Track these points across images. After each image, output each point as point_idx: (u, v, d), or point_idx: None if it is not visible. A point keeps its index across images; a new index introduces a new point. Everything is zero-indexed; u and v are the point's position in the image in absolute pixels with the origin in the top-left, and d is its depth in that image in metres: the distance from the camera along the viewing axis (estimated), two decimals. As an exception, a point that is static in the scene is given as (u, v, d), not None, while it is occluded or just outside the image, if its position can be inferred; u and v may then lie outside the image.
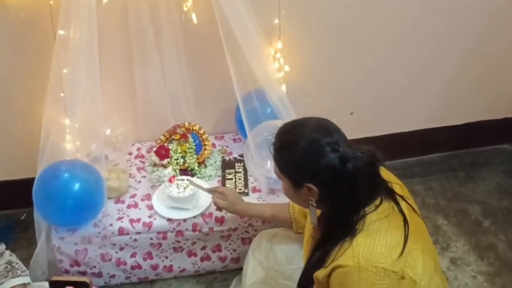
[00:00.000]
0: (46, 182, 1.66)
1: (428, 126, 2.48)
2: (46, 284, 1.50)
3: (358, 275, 1.10)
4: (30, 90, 1.94)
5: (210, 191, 1.73)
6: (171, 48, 1.94)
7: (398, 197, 1.23)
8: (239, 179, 1.97)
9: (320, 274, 1.18)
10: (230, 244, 1.89)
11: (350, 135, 2.30)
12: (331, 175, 1.15)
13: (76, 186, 1.65)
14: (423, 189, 2.39)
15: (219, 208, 1.72)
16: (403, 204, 1.23)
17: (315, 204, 1.22)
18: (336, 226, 1.18)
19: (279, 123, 1.87)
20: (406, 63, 2.25)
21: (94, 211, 1.74)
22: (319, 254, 1.20)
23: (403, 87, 2.33)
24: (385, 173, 1.33)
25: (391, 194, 1.22)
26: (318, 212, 1.29)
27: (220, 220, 1.81)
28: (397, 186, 1.30)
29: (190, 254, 1.89)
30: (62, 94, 1.76)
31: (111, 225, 1.78)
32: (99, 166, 1.78)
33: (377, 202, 1.18)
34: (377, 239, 1.13)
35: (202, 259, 1.91)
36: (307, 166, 1.17)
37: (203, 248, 1.88)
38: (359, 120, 2.37)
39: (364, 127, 2.40)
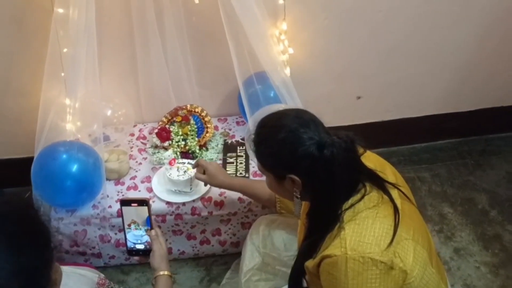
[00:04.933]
0: (44, 163, 1.65)
1: (438, 112, 2.41)
2: None
3: (345, 265, 1.09)
4: (30, 68, 1.92)
5: (193, 166, 1.70)
6: (173, 28, 1.89)
7: (389, 185, 1.20)
8: (240, 163, 1.94)
9: (310, 264, 1.18)
10: (229, 229, 1.87)
11: (357, 120, 2.33)
12: (309, 163, 1.13)
13: (74, 167, 1.65)
14: (430, 176, 2.34)
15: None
16: (394, 192, 1.20)
17: (299, 196, 1.21)
18: (321, 217, 1.16)
19: (282, 107, 1.84)
20: (417, 46, 2.17)
21: (93, 192, 1.74)
22: (308, 244, 1.19)
23: (413, 71, 2.25)
24: (377, 160, 1.30)
25: (377, 182, 1.19)
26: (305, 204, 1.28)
27: (220, 204, 1.80)
28: (390, 173, 1.27)
29: (190, 237, 1.88)
30: (62, 74, 1.75)
31: (110, 206, 1.78)
32: (98, 147, 1.77)
33: (363, 191, 1.15)
34: (365, 229, 1.11)
35: (201, 243, 1.90)
36: (285, 156, 1.16)
37: (203, 231, 1.87)
38: (366, 105, 2.31)
39: (372, 111, 2.35)
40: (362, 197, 1.15)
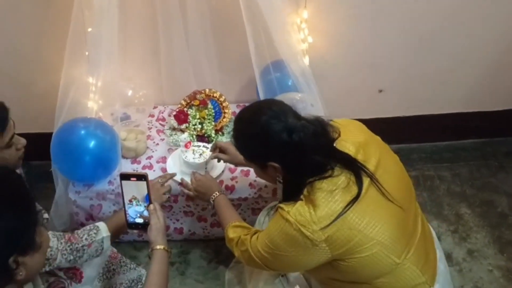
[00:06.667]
0: (62, 138, 1.71)
1: (463, 110, 2.35)
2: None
3: (282, 221, 1.21)
4: (57, 45, 1.95)
5: (211, 149, 1.75)
6: (195, 12, 1.91)
7: (366, 176, 1.22)
8: (255, 149, 1.96)
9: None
10: (240, 214, 1.89)
11: (378, 114, 2.30)
12: (282, 149, 1.23)
13: (92, 143, 1.70)
14: (450, 176, 2.29)
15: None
16: (365, 181, 1.21)
17: (281, 181, 1.29)
18: (287, 187, 1.27)
19: (298, 96, 1.84)
20: (444, 41, 2.12)
21: (109, 168, 1.79)
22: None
23: (439, 66, 2.20)
24: (364, 139, 1.31)
25: (351, 167, 1.22)
26: None
27: (231, 189, 1.82)
28: (374, 152, 1.28)
29: (200, 219, 1.92)
30: (86, 53, 1.79)
31: (125, 184, 1.82)
32: (117, 126, 1.82)
33: (331, 172, 1.21)
34: (312, 207, 1.19)
35: (212, 225, 1.94)
36: (260, 148, 1.27)
37: (214, 214, 1.90)
38: (388, 99, 2.28)
39: (393, 106, 2.32)
40: (325, 178, 1.20)
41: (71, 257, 1.37)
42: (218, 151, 1.72)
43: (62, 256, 1.35)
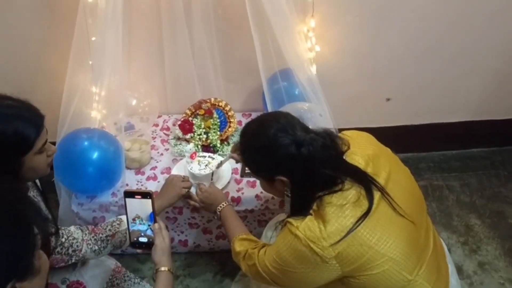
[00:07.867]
0: (65, 149, 1.67)
1: (471, 118, 2.32)
2: None
3: (291, 237, 1.18)
4: (60, 52, 1.92)
5: (232, 150, 1.71)
6: (200, 19, 1.88)
7: (377, 190, 1.19)
8: (261, 160, 1.92)
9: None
10: (246, 225, 1.84)
11: (385, 123, 2.26)
12: (290, 162, 1.19)
13: (95, 154, 1.66)
14: (459, 185, 2.26)
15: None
16: (376, 194, 1.18)
17: (290, 195, 1.26)
18: (296, 202, 1.23)
19: (306, 105, 1.81)
20: (451, 48, 2.09)
21: (112, 180, 1.76)
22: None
23: (447, 74, 2.17)
24: (373, 153, 1.27)
25: (361, 180, 1.20)
26: None
27: (237, 200, 1.78)
28: (384, 165, 1.25)
29: (206, 231, 1.88)
30: (90, 62, 1.76)
31: (128, 195, 1.79)
32: (120, 136, 1.78)
33: (341, 186, 1.18)
34: (321, 223, 1.16)
35: (217, 237, 1.90)
36: (267, 161, 1.24)
37: (219, 226, 1.86)
38: (396, 107, 2.25)
39: (401, 115, 2.29)
40: (335, 193, 1.17)
41: (96, 247, 1.39)
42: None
43: (87, 246, 1.37)
